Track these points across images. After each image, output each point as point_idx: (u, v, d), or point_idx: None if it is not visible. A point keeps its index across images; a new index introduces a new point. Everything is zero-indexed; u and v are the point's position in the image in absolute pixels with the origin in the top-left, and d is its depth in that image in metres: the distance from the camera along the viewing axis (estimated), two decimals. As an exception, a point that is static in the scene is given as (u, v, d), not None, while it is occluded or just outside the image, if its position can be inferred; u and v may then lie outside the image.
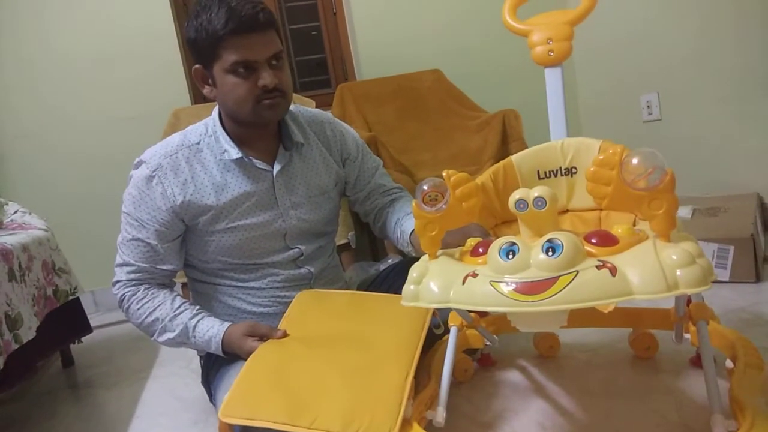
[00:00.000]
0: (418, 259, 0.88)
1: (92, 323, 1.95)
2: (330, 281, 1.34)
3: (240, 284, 1.25)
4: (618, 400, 1.08)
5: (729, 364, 1.02)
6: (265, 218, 1.21)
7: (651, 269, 0.66)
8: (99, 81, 2.60)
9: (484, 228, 1.06)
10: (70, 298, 1.78)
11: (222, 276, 1.25)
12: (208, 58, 1.11)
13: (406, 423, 0.89)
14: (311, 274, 1.29)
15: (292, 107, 1.26)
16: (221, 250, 1.21)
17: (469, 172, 0.87)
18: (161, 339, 1.17)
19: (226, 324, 1.13)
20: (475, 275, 0.74)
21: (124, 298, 1.19)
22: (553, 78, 1.14)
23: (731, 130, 2.11)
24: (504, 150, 2.27)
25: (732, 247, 1.63)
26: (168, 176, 1.16)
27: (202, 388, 1.29)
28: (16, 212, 1.88)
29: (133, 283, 1.19)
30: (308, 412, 0.86)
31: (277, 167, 1.21)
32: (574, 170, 1.05)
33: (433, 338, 1.15)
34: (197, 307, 1.19)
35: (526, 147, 2.18)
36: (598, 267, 0.68)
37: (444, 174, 0.83)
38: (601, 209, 1.05)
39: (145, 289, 1.18)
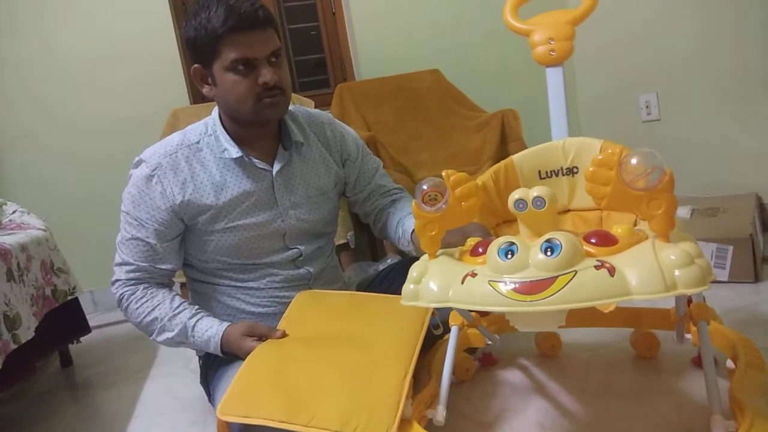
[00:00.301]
0: (417, 258, 0.88)
1: (91, 323, 1.94)
2: (329, 281, 1.34)
3: (239, 284, 1.25)
4: (618, 400, 1.08)
5: (730, 364, 1.02)
6: (265, 218, 1.21)
7: (649, 269, 0.66)
8: (98, 81, 2.59)
9: (485, 227, 1.06)
10: (69, 298, 1.78)
11: (221, 276, 1.25)
12: (208, 57, 1.11)
13: (405, 422, 0.89)
14: (310, 274, 1.29)
15: (291, 107, 1.26)
16: (220, 249, 1.21)
17: (468, 172, 0.87)
18: (160, 338, 1.17)
19: (225, 324, 1.13)
20: (474, 275, 0.75)
21: (123, 297, 1.19)
22: (554, 78, 1.14)
23: (730, 130, 2.11)
24: (503, 150, 2.27)
25: (731, 247, 1.63)
26: (167, 175, 1.16)
27: (200, 388, 1.29)
28: (14, 212, 1.88)
29: (132, 282, 1.19)
30: (306, 410, 0.86)
31: (276, 166, 1.21)
32: (575, 170, 1.05)
33: (433, 339, 1.15)
34: (196, 306, 1.19)
35: (525, 147, 2.19)
36: (596, 267, 0.68)
37: (443, 174, 0.83)
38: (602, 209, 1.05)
39: (144, 289, 1.18)
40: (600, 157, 0.73)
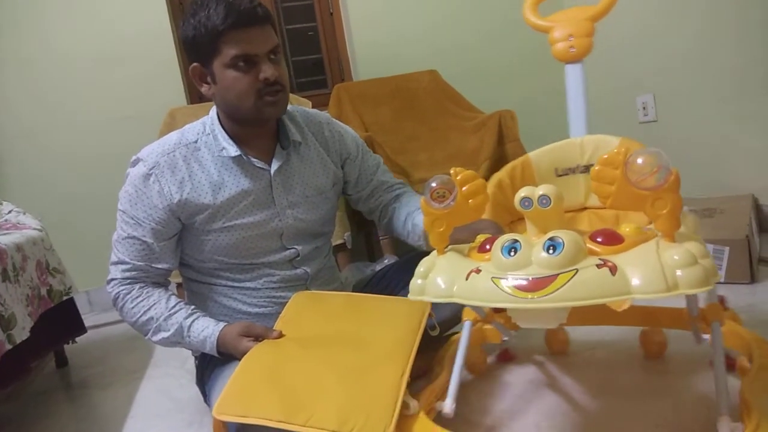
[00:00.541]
0: (415, 258, 0.88)
1: (87, 323, 1.93)
2: (326, 282, 1.33)
3: (236, 284, 1.25)
4: (618, 400, 1.08)
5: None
6: (262, 217, 1.20)
7: (651, 269, 0.66)
8: (96, 81, 2.59)
9: (498, 224, 1.07)
10: (65, 298, 1.77)
11: (218, 276, 1.25)
12: (207, 55, 1.10)
13: (404, 420, 0.89)
14: (307, 274, 1.28)
15: (289, 107, 1.26)
16: (217, 249, 1.20)
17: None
18: (155, 338, 1.16)
19: (221, 324, 1.13)
20: (478, 271, 0.76)
21: (118, 297, 1.18)
22: (574, 74, 1.14)
23: (726, 131, 2.12)
24: (500, 150, 2.27)
25: (727, 248, 1.63)
26: (165, 174, 1.15)
27: (196, 389, 1.28)
28: (10, 212, 1.87)
29: (128, 281, 1.18)
30: (304, 410, 0.86)
31: (274, 166, 1.20)
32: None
33: (430, 340, 1.15)
34: (192, 306, 1.18)
35: (523, 147, 2.20)
36: (598, 266, 0.68)
37: (452, 171, 0.84)
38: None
39: (139, 288, 1.18)
40: (605, 156, 0.73)
